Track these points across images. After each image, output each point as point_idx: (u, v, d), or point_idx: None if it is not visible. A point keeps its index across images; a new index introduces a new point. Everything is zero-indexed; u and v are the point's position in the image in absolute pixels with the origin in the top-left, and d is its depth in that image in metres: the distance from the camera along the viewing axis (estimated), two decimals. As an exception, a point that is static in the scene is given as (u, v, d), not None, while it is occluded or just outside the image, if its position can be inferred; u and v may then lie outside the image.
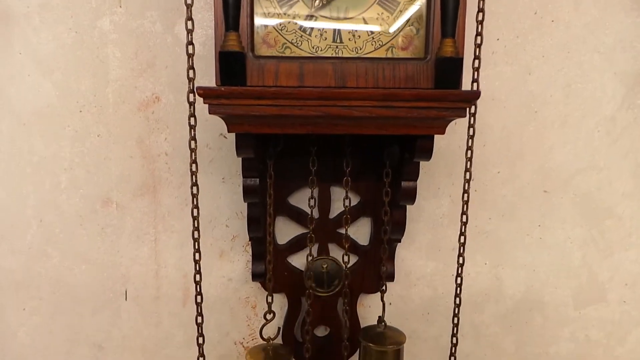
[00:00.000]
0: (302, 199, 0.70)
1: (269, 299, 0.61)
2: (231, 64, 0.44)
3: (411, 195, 0.59)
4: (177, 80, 0.67)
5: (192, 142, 0.51)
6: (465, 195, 0.54)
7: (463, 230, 0.55)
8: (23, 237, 0.70)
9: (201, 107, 0.67)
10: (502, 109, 0.70)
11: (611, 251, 0.75)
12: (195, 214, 0.54)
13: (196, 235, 0.55)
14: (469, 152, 0.55)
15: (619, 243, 0.74)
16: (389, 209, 0.61)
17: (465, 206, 0.55)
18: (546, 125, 0.71)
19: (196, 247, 0.55)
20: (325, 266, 0.69)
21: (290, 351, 0.62)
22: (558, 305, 0.76)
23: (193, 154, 0.51)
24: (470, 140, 0.52)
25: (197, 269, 0.56)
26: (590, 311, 0.76)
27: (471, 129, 0.52)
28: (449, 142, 0.70)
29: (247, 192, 0.58)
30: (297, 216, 0.70)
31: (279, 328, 0.64)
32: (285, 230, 0.72)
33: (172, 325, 0.73)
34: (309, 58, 0.47)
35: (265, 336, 0.62)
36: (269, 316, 0.61)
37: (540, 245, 0.74)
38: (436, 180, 0.72)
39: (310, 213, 0.62)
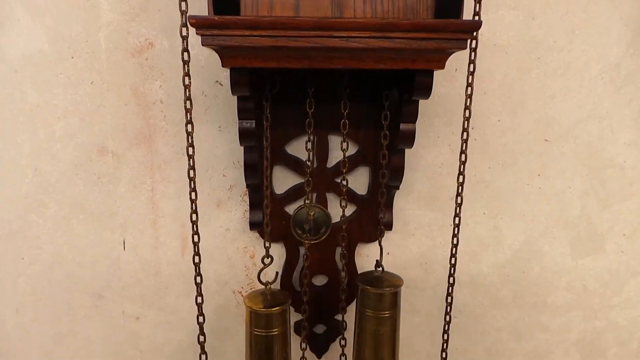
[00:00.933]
0: (299, 148, 0.69)
1: (267, 244, 0.61)
2: (224, -7, 0.43)
3: (410, 138, 0.58)
4: (170, 25, 0.66)
5: (188, 103, 0.50)
6: (463, 155, 0.53)
7: (460, 190, 0.54)
8: (19, 187, 0.70)
9: (196, 52, 0.67)
10: (503, 55, 0.68)
11: (611, 201, 0.74)
12: (191, 174, 0.53)
13: (193, 197, 0.54)
14: (468, 100, 0.54)
15: (619, 193, 0.74)
16: (387, 153, 0.60)
17: (462, 166, 0.53)
18: (548, 72, 0.69)
19: (193, 208, 0.54)
20: (312, 214, 0.68)
21: (289, 296, 0.62)
22: (556, 255, 0.76)
23: (188, 114, 0.49)
24: (469, 88, 0.51)
25: (195, 229, 0.55)
26: (588, 261, 0.76)
27: (471, 65, 0.50)
28: (449, 89, 0.69)
29: (243, 135, 0.57)
30: (295, 165, 0.69)
31: (277, 273, 0.64)
32: (282, 180, 0.71)
33: (171, 275, 0.74)
34: None
35: (263, 281, 0.62)
36: (266, 260, 0.61)
37: (539, 194, 0.73)
38: (435, 129, 0.71)
39: (308, 156, 0.61)
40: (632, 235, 0.75)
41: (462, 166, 0.54)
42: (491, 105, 0.70)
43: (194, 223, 0.55)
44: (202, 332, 0.56)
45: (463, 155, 0.54)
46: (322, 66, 0.47)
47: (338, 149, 0.68)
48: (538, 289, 0.77)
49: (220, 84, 0.68)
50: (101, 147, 0.69)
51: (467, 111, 0.52)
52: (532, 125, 0.71)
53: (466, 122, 0.53)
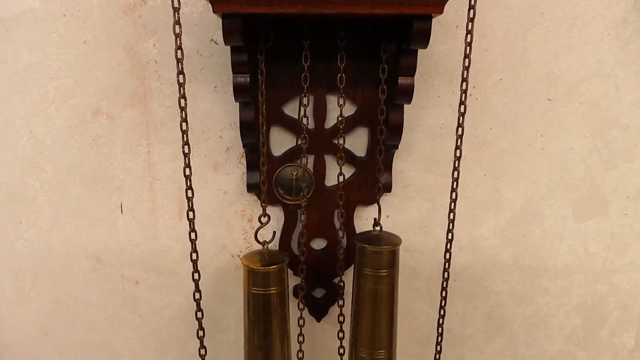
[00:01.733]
0: (297, 109, 0.68)
1: (263, 202, 0.60)
2: None
3: (408, 93, 0.57)
4: (163, -20, 0.64)
5: (179, 52, 0.48)
6: (464, 83, 0.52)
7: (458, 154, 0.52)
8: (14, 150, 0.69)
9: (189, 9, 0.65)
10: (506, 10, 0.66)
11: (615, 162, 0.73)
12: (185, 134, 0.52)
13: (186, 150, 0.53)
14: (467, 60, 0.52)
15: (623, 154, 0.72)
16: (385, 108, 0.59)
17: (460, 126, 0.52)
18: (552, 28, 0.67)
19: (186, 162, 0.53)
20: (294, 173, 0.68)
21: (286, 255, 0.62)
22: (558, 218, 0.75)
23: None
24: (470, 24, 0.49)
25: (188, 184, 0.54)
26: (591, 224, 0.75)
27: (471, 11, 0.48)
28: (449, 47, 0.67)
29: (238, 90, 0.56)
30: (292, 126, 0.68)
31: (274, 232, 0.63)
32: (280, 141, 0.70)
33: (169, 238, 0.73)
34: None
35: (260, 241, 0.62)
36: (263, 219, 0.61)
37: (542, 156, 0.72)
38: (436, 88, 0.69)
39: (303, 112, 0.60)
40: (636, 197, 0.74)
41: (459, 128, 0.52)
42: (493, 63, 0.68)
43: (189, 200, 0.53)
44: (197, 289, 0.56)
45: (462, 118, 0.52)
46: (316, 11, 0.46)
47: (336, 110, 0.66)
48: (539, 253, 0.76)
49: (216, 42, 0.66)
50: (96, 108, 0.68)
51: (467, 60, 0.51)
52: (535, 84, 0.69)
53: (465, 72, 0.51)
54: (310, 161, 0.70)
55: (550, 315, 0.79)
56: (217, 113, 0.69)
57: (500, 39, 0.67)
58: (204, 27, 0.66)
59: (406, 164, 0.72)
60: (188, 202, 0.53)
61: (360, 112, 0.68)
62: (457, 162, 0.55)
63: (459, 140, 0.53)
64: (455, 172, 0.57)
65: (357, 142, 0.71)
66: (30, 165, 0.70)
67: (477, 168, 0.72)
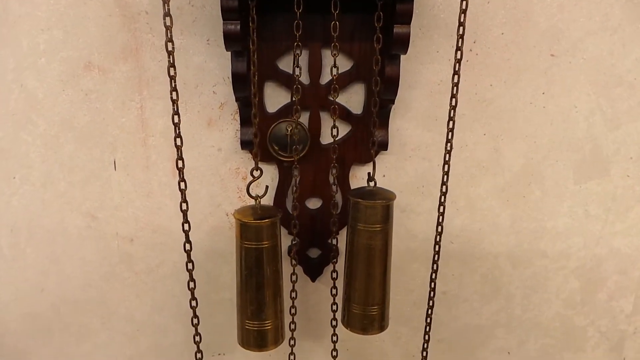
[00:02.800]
0: (291, 63, 0.66)
1: (256, 158, 0.59)
2: None
3: (404, 42, 0.55)
4: None
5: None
6: (461, 28, 0.49)
7: (452, 115, 0.51)
8: (6, 104, 0.69)
9: (180, -44, 0.63)
10: (509, -41, 0.64)
11: (619, 122, 0.71)
12: (173, 79, 0.51)
13: (174, 96, 0.51)
14: (462, 16, 0.49)
15: (627, 113, 0.70)
16: (380, 59, 0.57)
17: (455, 86, 0.50)
18: (557, -21, 0.65)
19: (175, 109, 0.52)
20: (289, 129, 0.66)
21: (279, 210, 0.61)
22: (558, 179, 0.73)
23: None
24: (464, 3, 0.46)
25: (177, 132, 0.53)
26: (592, 185, 0.74)
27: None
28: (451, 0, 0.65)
29: (228, 38, 0.54)
30: (287, 81, 0.67)
31: (266, 186, 0.62)
32: (275, 97, 0.69)
33: (163, 195, 0.73)
34: None
35: (253, 195, 0.61)
36: (256, 173, 0.60)
37: (543, 114, 0.70)
38: (435, 42, 0.67)
39: (295, 62, 0.58)
40: (639, 158, 0.72)
41: (454, 87, 0.50)
42: (494, 17, 0.66)
43: (178, 148, 0.51)
44: (187, 240, 0.56)
45: (457, 76, 0.50)
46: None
47: (332, 64, 0.65)
48: (538, 214, 0.75)
49: (208, -7, 0.64)
50: (87, 61, 0.67)
51: (463, 15, 0.48)
52: (537, 39, 0.67)
53: (461, 28, 0.49)
54: (304, 118, 0.68)
55: (548, 279, 0.78)
56: (210, 67, 0.67)
57: (502, -11, 0.65)
58: (196, -24, 0.64)
59: (403, 122, 0.70)
60: (177, 151, 0.52)
61: (357, 67, 0.66)
62: (451, 122, 0.54)
63: (454, 99, 0.52)
64: (450, 132, 0.55)
65: (353, 99, 0.69)
66: (22, 120, 0.69)
67: (476, 126, 0.71)
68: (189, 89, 0.68)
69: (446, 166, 0.58)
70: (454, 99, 0.51)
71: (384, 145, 0.69)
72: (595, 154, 0.72)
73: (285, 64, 0.67)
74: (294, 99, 0.66)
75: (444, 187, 0.60)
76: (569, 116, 0.70)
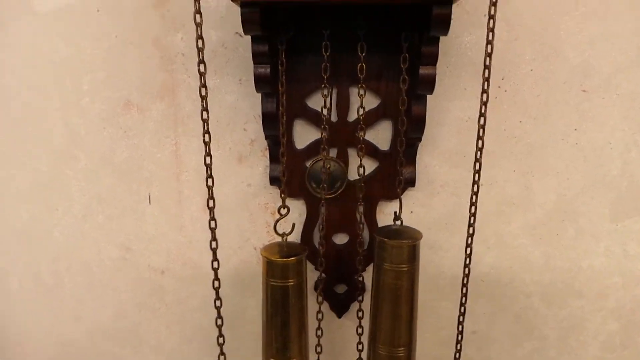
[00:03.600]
0: (320, 101, 0.68)
1: (283, 194, 0.60)
2: None
3: (430, 83, 0.55)
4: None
5: (200, 42, 0.49)
6: (487, 71, 0.50)
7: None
8: (50, 140, 0.73)
9: (216, 3, 0.66)
10: (537, -3, 0.64)
11: (657, 159, 0.68)
12: (205, 116, 0.53)
13: (207, 139, 0.54)
14: (489, 46, 0.50)
15: (666, 149, 0.68)
16: (407, 99, 0.58)
17: (482, 116, 0.50)
18: (587, 14, 0.64)
19: (207, 150, 0.54)
20: (327, 167, 0.67)
21: (305, 248, 0.61)
22: (593, 217, 0.71)
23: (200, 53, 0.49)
24: (492, 9, 0.47)
25: (209, 173, 0.55)
26: (630, 224, 0.71)
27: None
28: (477, 37, 0.65)
29: (259, 80, 0.56)
30: (316, 118, 0.68)
31: (293, 224, 0.63)
32: (303, 134, 0.70)
33: (194, 230, 0.75)
34: None
35: (280, 232, 0.62)
36: (283, 211, 0.61)
37: (576, 150, 0.69)
38: (462, 81, 0.67)
39: (324, 103, 0.59)
40: (680, 196, 0.69)
41: (482, 118, 0.51)
42: (523, 53, 0.66)
43: (210, 188, 0.54)
44: (216, 278, 0.57)
45: (484, 107, 0.50)
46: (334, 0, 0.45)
47: (359, 102, 0.66)
48: (572, 253, 0.72)
49: (240, 35, 0.67)
50: (126, 100, 0.71)
51: (490, 46, 0.49)
52: (568, 75, 0.66)
53: (487, 58, 0.49)
54: (332, 154, 0.69)
55: (585, 320, 0.75)
56: (241, 106, 0.70)
57: (531, 27, 0.65)
58: (230, 20, 0.67)
59: (431, 159, 0.70)
60: (208, 191, 0.54)
61: (384, 105, 0.67)
62: (479, 153, 0.54)
63: (481, 130, 0.52)
64: (477, 173, 0.55)
65: (381, 136, 0.70)
66: (65, 155, 0.73)
67: (506, 163, 0.70)
68: (221, 126, 0.70)
69: (473, 207, 0.58)
70: (480, 141, 0.51)
71: (411, 182, 0.69)
72: (633, 191, 0.70)
73: (313, 102, 0.68)
74: (323, 136, 0.67)
75: (471, 228, 0.59)
76: (603, 152, 0.69)
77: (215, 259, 0.57)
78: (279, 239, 0.62)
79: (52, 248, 0.78)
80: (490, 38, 0.47)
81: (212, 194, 0.55)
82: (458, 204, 0.72)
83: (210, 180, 0.54)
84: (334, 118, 0.68)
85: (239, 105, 0.70)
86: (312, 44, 0.61)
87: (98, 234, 0.76)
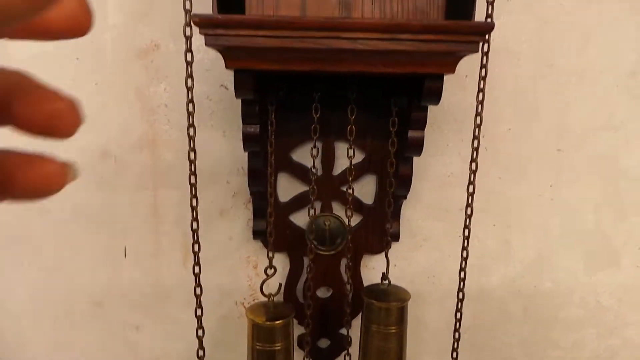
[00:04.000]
0: (305, 155, 0.67)
1: (270, 254, 0.59)
2: (229, -9, 0.42)
3: (418, 146, 0.56)
4: (177, 26, 0.64)
5: (190, 105, 0.49)
6: (474, 164, 0.51)
7: (470, 201, 0.53)
8: (20, 191, 0.69)
9: (201, 55, 0.66)
10: (515, 61, 0.67)
11: (626, 214, 0.72)
12: (192, 180, 0.52)
13: (193, 180, 0.53)
14: (479, 107, 0.52)
15: (634, 205, 0.71)
16: (395, 161, 0.58)
17: (472, 175, 0.52)
18: (562, 79, 0.67)
19: (194, 215, 0.54)
20: (327, 223, 0.67)
21: (292, 308, 0.60)
22: (569, 270, 0.73)
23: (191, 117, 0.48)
24: (482, 82, 0.49)
25: (195, 238, 0.55)
26: (603, 276, 0.74)
27: (483, 70, 0.49)
28: (459, 96, 0.67)
29: (248, 139, 0.56)
30: (300, 172, 0.68)
31: (280, 284, 0.62)
32: (287, 187, 0.69)
33: (172, 284, 0.72)
34: None
35: (266, 293, 0.60)
36: (269, 271, 0.60)
37: (552, 206, 0.71)
38: (445, 137, 0.69)
39: (312, 163, 0.59)
40: (648, 249, 0.73)
41: (472, 175, 0.52)
42: (502, 113, 0.68)
43: (195, 232, 0.54)
44: (201, 347, 0.54)
45: (474, 164, 0.52)
46: (328, 69, 0.46)
47: (344, 157, 0.66)
48: (550, 304, 0.74)
49: (226, 87, 0.67)
50: (104, 150, 0.68)
51: (479, 118, 0.51)
52: (544, 134, 0.69)
53: (477, 130, 0.51)
54: (317, 207, 0.69)
55: (562, 370, 0.77)
56: (225, 158, 0.68)
57: (510, 89, 0.67)
58: (215, 72, 0.66)
59: (414, 213, 0.71)
60: (193, 235, 0.53)
61: (369, 160, 0.68)
62: (468, 219, 0.55)
63: (470, 198, 0.53)
64: (467, 220, 0.56)
65: (365, 190, 0.70)
66: (35, 205, 0.69)
67: (486, 218, 0.71)
68: (203, 179, 0.68)
69: (464, 252, 0.58)
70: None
71: (395, 237, 0.69)
72: (605, 245, 0.73)
73: (298, 155, 0.68)
74: (308, 191, 0.67)
75: (462, 282, 0.59)
76: (577, 208, 0.71)
77: (199, 305, 0.55)
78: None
79: (16, 304, 0.72)
80: (479, 110, 0.49)
81: (197, 237, 0.54)
82: (440, 258, 0.72)
83: (195, 224, 0.53)
84: (318, 172, 0.68)
85: (222, 158, 0.68)
86: (301, 102, 0.61)
87: (68, 288, 0.72)
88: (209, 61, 0.66)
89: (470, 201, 0.55)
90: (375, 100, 0.61)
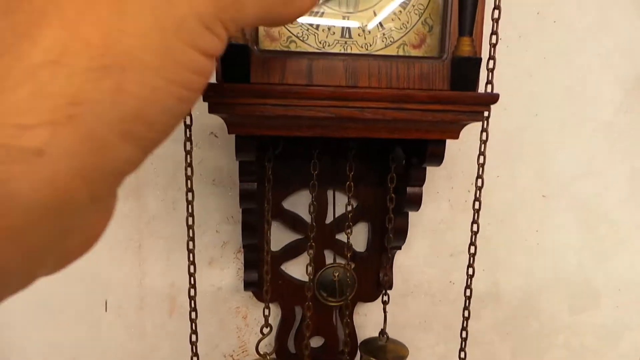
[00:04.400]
0: (297, 203, 0.67)
1: (266, 312, 0.58)
2: (235, 58, 0.41)
3: (417, 202, 0.56)
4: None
5: (188, 143, 0.48)
6: (477, 202, 0.52)
7: (473, 240, 0.53)
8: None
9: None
10: (502, 111, 0.68)
11: (605, 256, 0.74)
12: (190, 222, 0.50)
13: (190, 222, 0.51)
14: (481, 157, 0.53)
15: (613, 248, 0.74)
16: (393, 217, 0.58)
17: (476, 214, 0.53)
18: (545, 129, 0.70)
19: (191, 258, 0.52)
20: (337, 274, 0.66)
21: (287, 365, 0.58)
22: (554, 312, 0.75)
23: (189, 156, 0.47)
24: (482, 146, 0.50)
25: (191, 259, 0.53)
26: (585, 317, 0.76)
27: (484, 134, 0.49)
28: (449, 144, 0.68)
29: (245, 197, 0.54)
30: (292, 221, 0.67)
31: (276, 342, 0.60)
32: (278, 236, 0.68)
33: (157, 337, 0.69)
34: (318, 54, 0.44)
35: (261, 352, 0.59)
36: (265, 330, 0.58)
37: (537, 250, 0.73)
38: (435, 184, 0.70)
39: (310, 221, 0.58)
40: (626, 290, 0.76)
41: (474, 237, 0.53)
42: (490, 162, 0.68)
43: (192, 275, 0.52)
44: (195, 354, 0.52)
45: (475, 226, 0.53)
46: (334, 135, 0.45)
47: (337, 205, 0.66)
48: (537, 346, 0.75)
49: (215, 135, 0.65)
50: (85, 201, 0.65)
51: (480, 180, 0.51)
52: (530, 182, 0.71)
53: (478, 192, 0.52)
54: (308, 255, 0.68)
55: (547, 409, 0.78)
56: (214, 207, 0.66)
57: (497, 138, 0.69)
58: (204, 120, 0.64)
59: (406, 259, 0.71)
60: (190, 278, 0.51)
61: (361, 208, 0.67)
62: (471, 259, 0.55)
63: (473, 248, 0.53)
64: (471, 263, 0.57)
65: (357, 237, 0.69)
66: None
67: (476, 263, 0.72)
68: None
69: (466, 312, 0.58)
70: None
71: (389, 286, 0.69)
72: (587, 286, 0.75)
73: (290, 204, 0.67)
74: (300, 239, 0.66)
75: (464, 332, 0.60)
76: (561, 252, 0.73)
77: (195, 353, 0.53)
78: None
79: (-16, 364, 0.67)
80: (480, 173, 0.49)
81: (195, 281, 0.52)
82: (432, 303, 0.72)
83: (192, 267, 0.51)
84: (309, 220, 0.67)
85: (211, 207, 0.66)
86: (296, 154, 0.60)
87: (44, 345, 0.67)
88: (197, 107, 0.64)
89: (473, 251, 0.56)
90: (370, 152, 0.61)
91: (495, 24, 0.47)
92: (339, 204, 0.66)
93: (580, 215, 0.72)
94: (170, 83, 0.20)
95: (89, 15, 0.17)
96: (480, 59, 0.43)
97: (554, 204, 0.72)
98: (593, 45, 0.68)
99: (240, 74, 0.41)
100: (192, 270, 0.51)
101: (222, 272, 0.68)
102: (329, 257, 0.68)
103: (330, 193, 0.67)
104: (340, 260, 0.68)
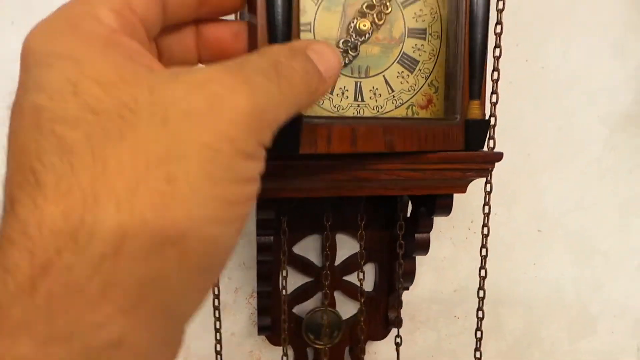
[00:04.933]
0: (307, 248, 0.69)
1: (284, 359, 0.59)
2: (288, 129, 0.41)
3: (425, 247, 0.59)
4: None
5: None
6: (484, 249, 0.55)
7: (483, 264, 0.56)
8: None
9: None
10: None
11: (600, 285, 0.78)
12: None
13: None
14: (487, 207, 0.56)
15: (606, 277, 0.78)
16: (402, 262, 0.61)
17: (483, 261, 0.56)
18: (538, 167, 0.74)
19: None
20: (324, 317, 0.68)
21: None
22: (554, 340, 0.78)
23: None
24: (487, 197, 0.53)
25: (218, 327, 0.54)
26: (584, 344, 0.79)
27: (488, 185, 0.53)
28: (449, 186, 0.72)
29: (262, 249, 0.56)
30: (302, 265, 0.69)
31: (293, 390, 0.62)
32: (289, 280, 0.70)
33: (171, 386, 0.69)
34: (357, 119, 0.46)
35: (278, 396, 0.60)
36: (283, 376, 0.59)
37: (536, 282, 0.76)
38: (437, 223, 0.72)
39: (324, 268, 0.61)
40: (621, 316, 0.79)
41: (482, 281, 0.56)
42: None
43: (217, 319, 0.53)
44: None
45: (483, 271, 0.56)
46: (350, 194, 0.48)
47: (344, 248, 0.68)
48: (539, 375, 0.78)
49: (226, 186, 0.67)
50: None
51: (486, 228, 0.54)
52: (525, 218, 0.74)
53: (485, 239, 0.55)
54: (319, 298, 0.70)
55: None
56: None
57: (494, 178, 0.72)
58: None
59: (412, 297, 0.73)
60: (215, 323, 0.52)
61: (369, 250, 0.70)
62: (481, 301, 0.58)
63: (483, 277, 0.56)
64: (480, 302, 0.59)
65: (365, 278, 0.72)
66: None
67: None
68: (204, 277, 0.68)
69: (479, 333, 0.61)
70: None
71: (399, 324, 0.71)
72: (584, 314, 0.78)
73: (299, 249, 0.69)
74: (309, 284, 0.68)
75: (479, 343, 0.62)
76: (558, 283, 0.77)
77: None
78: None
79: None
80: (486, 222, 0.52)
81: (220, 337, 0.53)
82: (437, 338, 0.75)
83: (218, 323, 0.53)
84: (319, 263, 0.70)
85: (223, 255, 0.68)
86: (307, 204, 0.62)
87: None
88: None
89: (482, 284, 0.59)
90: (375, 199, 0.64)
91: (495, 84, 0.50)
92: (345, 245, 0.69)
93: (574, 247, 0.76)
94: (229, 225, 0.19)
95: (142, 189, 0.16)
96: (489, 121, 0.46)
97: (549, 237, 0.75)
98: (579, 87, 0.73)
99: (292, 146, 0.40)
100: (217, 325, 0.52)
101: (235, 317, 0.70)
102: (338, 298, 0.71)
103: (338, 237, 0.69)
104: (349, 301, 0.70)
